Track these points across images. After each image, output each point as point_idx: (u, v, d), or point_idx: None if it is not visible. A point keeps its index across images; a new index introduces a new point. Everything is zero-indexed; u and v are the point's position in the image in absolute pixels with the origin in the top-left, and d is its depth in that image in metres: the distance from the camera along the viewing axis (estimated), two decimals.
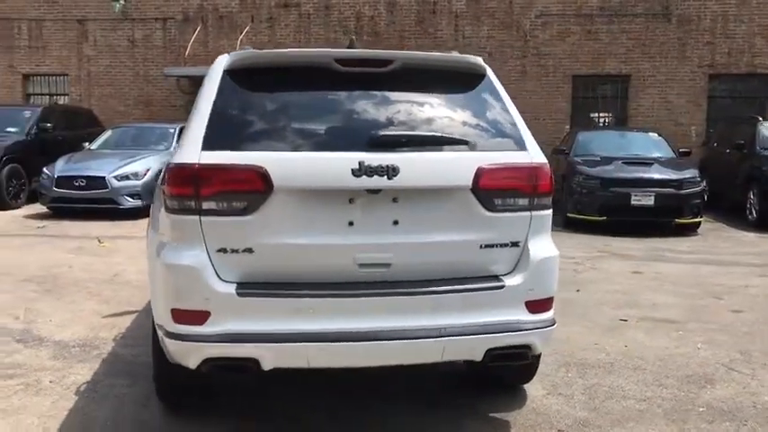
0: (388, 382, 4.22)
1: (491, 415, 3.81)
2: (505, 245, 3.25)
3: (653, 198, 10.31)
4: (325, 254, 3.10)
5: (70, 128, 14.25)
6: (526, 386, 4.16)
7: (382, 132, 3.15)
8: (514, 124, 3.40)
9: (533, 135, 3.43)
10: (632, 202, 10.35)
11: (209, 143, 3.09)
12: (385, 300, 3.10)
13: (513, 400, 4.00)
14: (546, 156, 3.42)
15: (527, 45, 15.95)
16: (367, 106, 3.31)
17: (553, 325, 3.38)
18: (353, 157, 3.04)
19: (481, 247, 3.22)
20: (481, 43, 16.06)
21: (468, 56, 3.61)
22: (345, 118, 3.26)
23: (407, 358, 3.19)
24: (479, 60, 3.56)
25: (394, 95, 3.35)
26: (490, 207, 3.19)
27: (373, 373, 4.13)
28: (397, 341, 3.07)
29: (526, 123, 3.45)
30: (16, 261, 7.88)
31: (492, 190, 3.19)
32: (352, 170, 3.02)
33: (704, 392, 4.15)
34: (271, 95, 3.31)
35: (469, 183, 3.15)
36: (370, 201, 3.10)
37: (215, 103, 3.22)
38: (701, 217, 10.76)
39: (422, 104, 3.36)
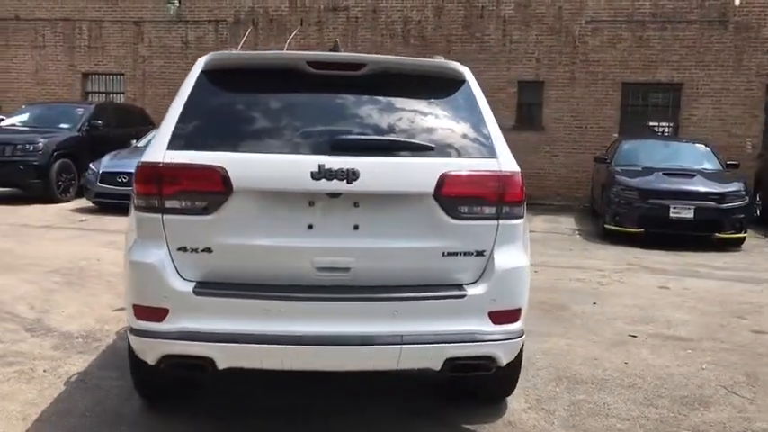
0: (370, 388, 4.20)
1: (463, 426, 3.74)
2: (470, 253, 3.19)
3: (693, 211, 9.96)
4: (284, 256, 3.11)
5: (122, 125, 14.68)
6: (509, 399, 4.07)
7: (343, 136, 3.14)
8: (487, 132, 3.33)
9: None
10: (671, 215, 10.02)
11: (176, 143, 3.14)
12: (342, 304, 3.09)
13: (491, 412, 3.91)
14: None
15: (576, 51, 15.64)
16: (335, 109, 3.31)
17: (520, 337, 3.29)
18: (313, 160, 3.03)
19: (444, 254, 3.17)
20: (529, 48, 15.85)
21: (447, 61, 3.56)
22: (312, 121, 3.26)
23: (361, 364, 3.17)
24: (457, 66, 3.50)
25: (364, 99, 3.33)
26: (454, 214, 3.14)
27: (355, 379, 4.15)
28: (351, 346, 3.05)
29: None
30: (50, 252, 8.17)
31: (455, 197, 3.13)
32: (312, 173, 3.01)
33: (694, 415, 3.97)
34: (241, 97, 3.35)
35: (431, 189, 3.10)
36: (330, 204, 3.09)
37: (187, 103, 3.27)
38: (746, 232, 10.34)
39: (392, 109, 3.33)
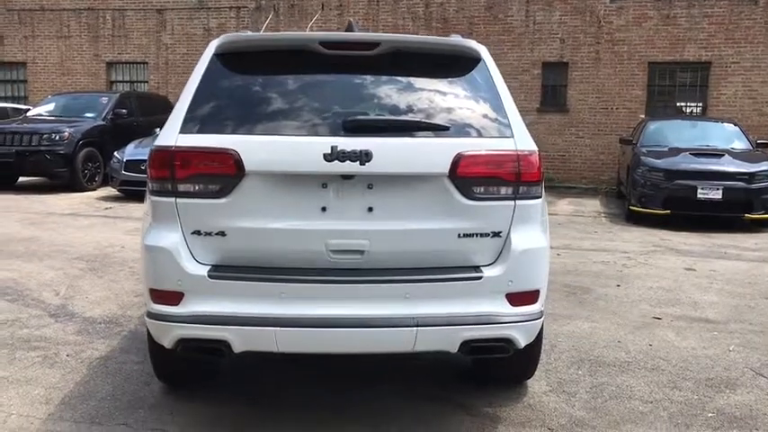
0: (387, 372, 4.18)
1: (484, 409, 3.70)
2: (486, 234, 3.14)
3: (721, 191, 9.78)
4: (297, 239, 3.08)
5: (145, 114, 14.79)
6: (530, 382, 4.03)
7: (356, 117, 3.10)
8: (503, 111, 3.26)
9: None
10: (698, 196, 9.85)
11: (188, 126, 3.13)
12: (357, 287, 3.05)
13: (511, 395, 3.87)
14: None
15: (601, 31, 15.38)
16: (348, 90, 3.27)
17: (538, 319, 3.24)
18: (326, 142, 3.00)
19: (460, 236, 3.12)
20: (553, 29, 15.64)
21: (462, 39, 3.49)
22: (325, 102, 3.22)
23: (377, 347, 3.13)
24: (473, 44, 3.43)
25: (378, 79, 3.29)
26: (469, 195, 3.09)
27: (371, 363, 4.13)
28: (367, 329, 3.02)
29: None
30: (75, 240, 8.27)
31: (471, 177, 3.08)
32: (324, 155, 2.98)
33: (720, 397, 3.90)
34: (254, 79, 3.31)
35: (446, 170, 3.05)
36: (344, 186, 3.06)
37: (199, 86, 3.25)
38: None
39: (406, 89, 3.28)
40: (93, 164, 13.27)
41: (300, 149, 3.02)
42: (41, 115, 14.17)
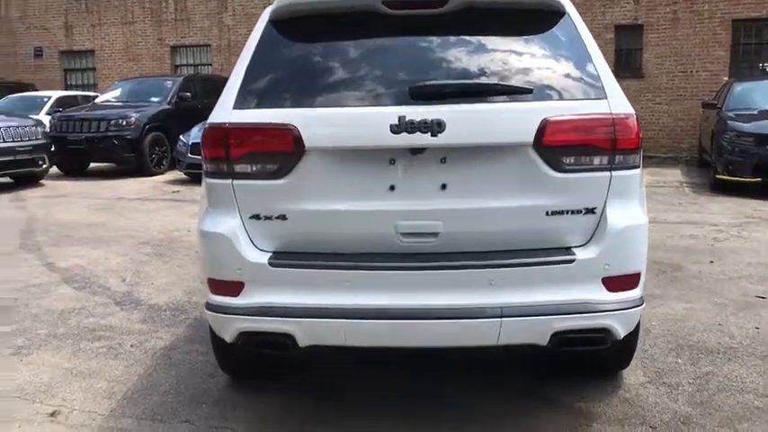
0: (468, 363, 3.86)
1: (576, 405, 3.34)
2: (578, 211, 2.76)
3: None
4: (364, 221, 2.78)
5: (209, 96, 14.67)
6: (625, 372, 3.64)
7: (426, 82, 2.74)
8: (594, 69, 2.85)
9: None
10: None
11: (242, 101, 2.85)
12: (431, 273, 2.73)
13: (604, 388, 3.49)
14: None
15: None
16: (415, 53, 2.92)
17: (639, 306, 2.85)
18: (393, 112, 2.67)
19: (548, 213, 2.75)
20: None
21: None
22: (390, 68, 2.88)
23: (456, 340, 2.81)
24: None
25: (449, 40, 2.92)
26: (558, 167, 2.71)
27: (455, 353, 3.81)
28: (444, 321, 2.69)
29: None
30: (142, 224, 8.24)
31: (559, 146, 2.70)
32: (391, 126, 2.65)
33: None
34: (311, 46, 3.01)
35: (531, 138, 2.68)
36: (414, 162, 2.73)
37: (253, 57, 2.97)
38: None
39: (482, 49, 2.91)
40: (159, 148, 13.34)
41: (364, 121, 2.70)
42: (109, 101, 14.35)
